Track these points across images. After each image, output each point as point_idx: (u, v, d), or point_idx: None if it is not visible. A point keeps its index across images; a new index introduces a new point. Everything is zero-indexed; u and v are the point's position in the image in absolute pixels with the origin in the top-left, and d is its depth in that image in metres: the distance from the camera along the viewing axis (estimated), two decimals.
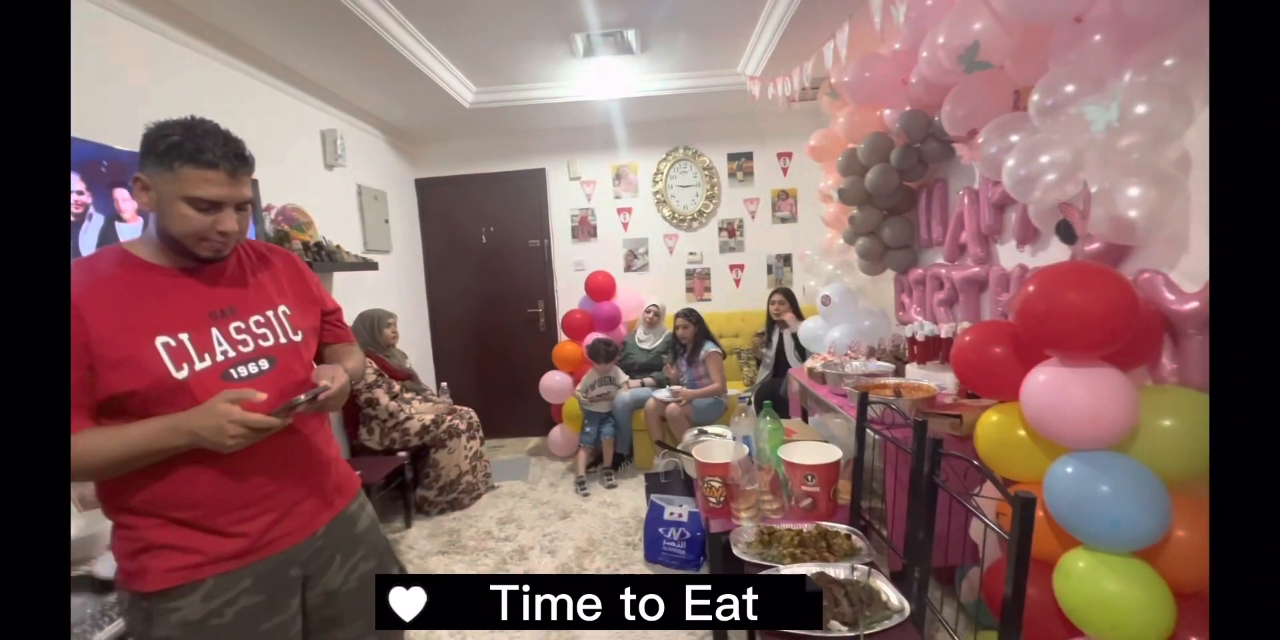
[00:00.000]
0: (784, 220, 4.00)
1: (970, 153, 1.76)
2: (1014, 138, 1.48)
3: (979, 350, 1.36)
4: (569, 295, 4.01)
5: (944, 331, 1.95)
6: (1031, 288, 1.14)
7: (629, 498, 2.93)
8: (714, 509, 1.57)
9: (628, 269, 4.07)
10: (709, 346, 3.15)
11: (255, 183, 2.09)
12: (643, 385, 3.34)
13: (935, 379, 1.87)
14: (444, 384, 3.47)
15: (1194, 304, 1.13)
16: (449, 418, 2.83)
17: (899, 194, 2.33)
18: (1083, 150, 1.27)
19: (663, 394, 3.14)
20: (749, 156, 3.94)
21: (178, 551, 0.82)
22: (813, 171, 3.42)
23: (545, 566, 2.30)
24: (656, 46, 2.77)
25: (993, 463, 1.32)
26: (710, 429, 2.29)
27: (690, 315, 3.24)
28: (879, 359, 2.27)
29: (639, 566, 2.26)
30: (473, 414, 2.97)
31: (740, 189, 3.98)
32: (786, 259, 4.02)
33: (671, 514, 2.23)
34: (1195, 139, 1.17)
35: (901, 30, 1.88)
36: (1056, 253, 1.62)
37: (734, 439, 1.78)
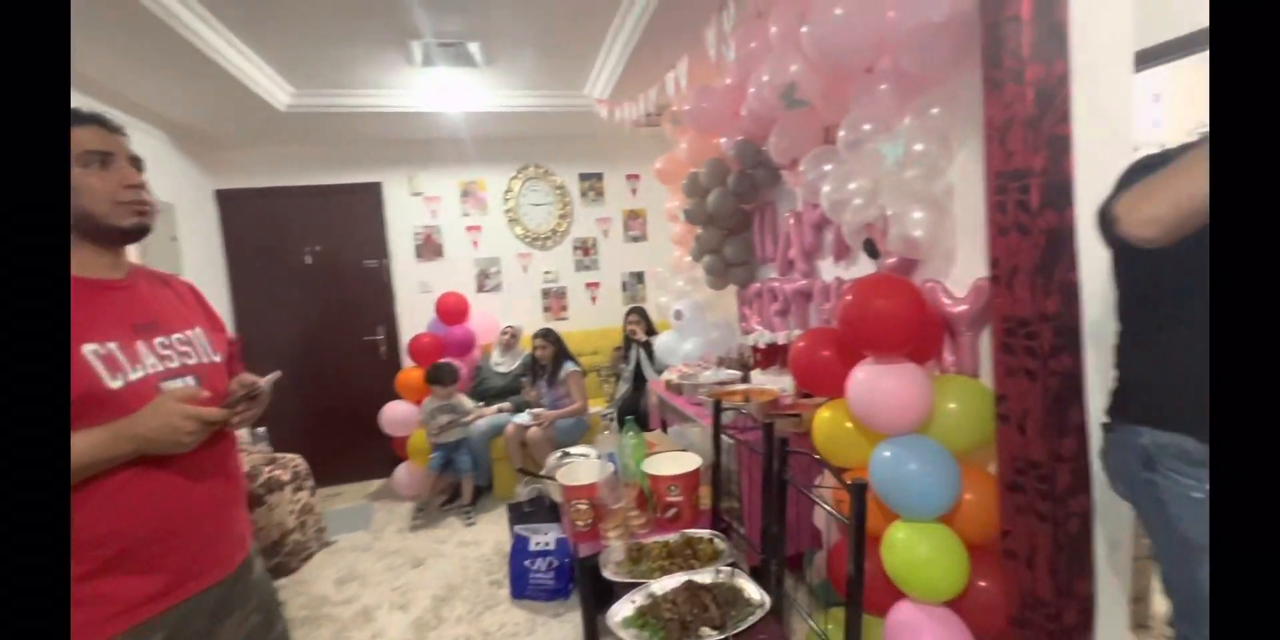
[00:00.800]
0: (635, 239, 4.16)
1: (794, 179, 2.00)
2: (827, 167, 1.71)
3: (810, 354, 1.52)
4: (415, 319, 3.72)
5: (781, 339, 2.16)
6: (848, 297, 1.32)
7: (490, 533, 2.76)
8: (582, 532, 1.54)
9: (480, 289, 3.90)
10: (569, 366, 3.13)
11: None
12: (500, 411, 3.20)
13: (777, 383, 2.06)
14: (260, 430, 2.96)
15: (963, 306, 1.39)
16: (267, 469, 2.43)
17: (737, 215, 2.56)
18: (879, 180, 1.51)
19: (522, 418, 3.04)
20: (599, 177, 4.05)
21: (84, 607, 0.72)
22: (660, 192, 3.62)
23: (396, 625, 2.05)
24: (502, 61, 2.74)
25: (828, 454, 1.48)
26: (574, 450, 2.25)
27: (548, 335, 3.19)
28: (728, 368, 2.44)
29: (505, 606, 2.12)
30: (299, 461, 2.59)
31: (593, 208, 4.07)
32: (639, 276, 4.17)
33: (538, 543, 2.14)
34: (956, 172, 1.45)
35: (732, 67, 2.09)
36: (864, 267, 1.90)
37: (599, 458, 1.77)
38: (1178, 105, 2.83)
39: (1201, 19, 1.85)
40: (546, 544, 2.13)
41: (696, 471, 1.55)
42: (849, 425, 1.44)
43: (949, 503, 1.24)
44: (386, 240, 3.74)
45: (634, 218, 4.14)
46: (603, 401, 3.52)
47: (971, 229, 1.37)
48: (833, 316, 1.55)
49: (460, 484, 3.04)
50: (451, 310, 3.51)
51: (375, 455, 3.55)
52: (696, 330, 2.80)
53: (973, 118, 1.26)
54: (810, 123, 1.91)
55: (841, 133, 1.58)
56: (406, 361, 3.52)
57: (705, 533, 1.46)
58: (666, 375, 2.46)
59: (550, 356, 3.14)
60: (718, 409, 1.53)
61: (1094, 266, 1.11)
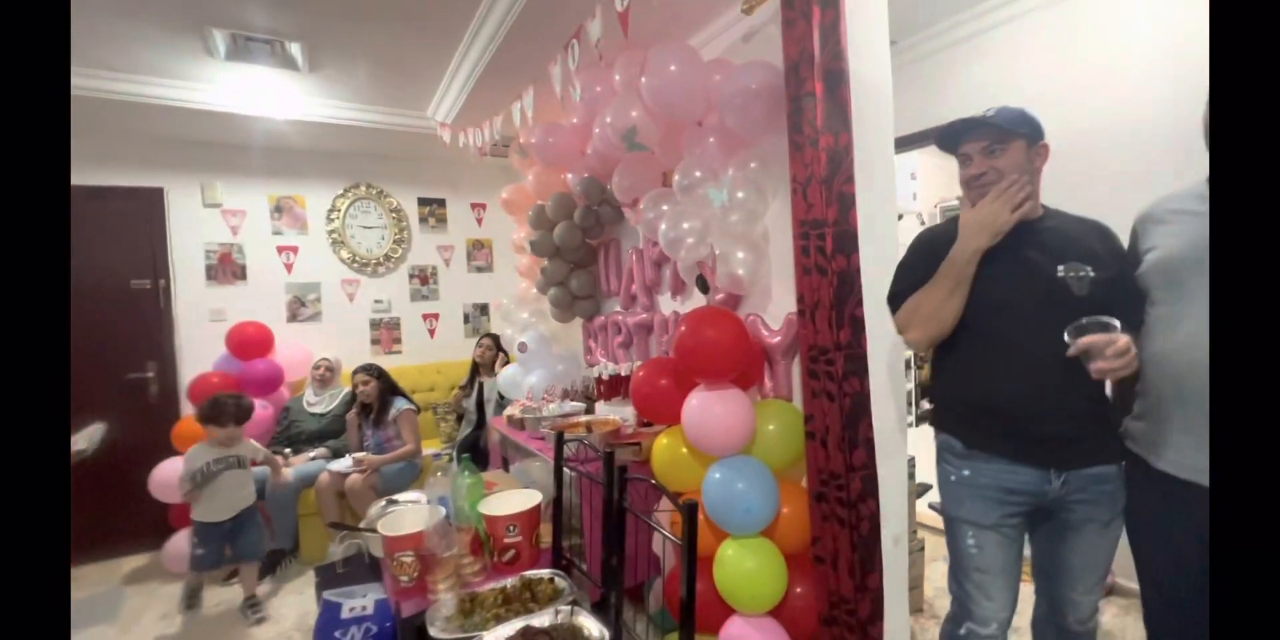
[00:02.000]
0: (480, 269, 4.04)
1: (635, 217, 2.13)
2: (665, 207, 1.86)
3: (649, 383, 1.60)
4: (200, 353, 3.11)
5: (624, 370, 2.23)
6: (682, 328, 1.42)
7: (293, 605, 2.35)
8: (405, 589, 1.39)
9: (293, 319, 3.44)
10: (400, 404, 2.87)
11: None
12: (313, 459, 2.80)
13: (619, 412, 2.11)
14: None
15: (778, 337, 1.58)
16: None
17: (583, 249, 2.64)
18: (709, 221, 1.68)
19: (341, 464, 2.69)
20: (442, 203, 3.90)
21: None
22: (507, 223, 3.59)
23: None
24: (331, 70, 2.55)
25: (666, 479, 1.54)
26: (402, 497, 2.05)
27: (371, 370, 2.90)
28: (572, 400, 2.44)
29: None
30: None
31: (433, 235, 3.88)
32: (484, 308, 4.04)
33: (351, 610, 1.86)
34: (771, 219, 1.67)
35: (579, 106, 2.20)
36: (698, 301, 2.06)
37: (429, 503, 1.63)
38: (928, 183, 3.63)
39: (945, 115, 2.46)
40: (363, 609, 1.86)
41: (537, 508, 1.50)
42: (684, 450, 1.52)
43: (770, 516, 1.36)
44: (168, 257, 3.15)
45: (479, 248, 4.03)
46: (438, 443, 3.27)
47: (784, 269, 1.57)
48: (670, 347, 1.65)
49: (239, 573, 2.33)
50: (248, 342, 3.02)
51: (139, 524, 2.84)
52: (542, 363, 2.77)
53: (782, 173, 1.48)
54: (650, 166, 2.07)
55: (676, 177, 1.74)
56: (186, 408, 2.93)
57: (545, 573, 1.41)
58: (509, 410, 2.38)
59: (375, 393, 2.85)
60: (559, 441, 1.51)
61: (875, 303, 1.35)
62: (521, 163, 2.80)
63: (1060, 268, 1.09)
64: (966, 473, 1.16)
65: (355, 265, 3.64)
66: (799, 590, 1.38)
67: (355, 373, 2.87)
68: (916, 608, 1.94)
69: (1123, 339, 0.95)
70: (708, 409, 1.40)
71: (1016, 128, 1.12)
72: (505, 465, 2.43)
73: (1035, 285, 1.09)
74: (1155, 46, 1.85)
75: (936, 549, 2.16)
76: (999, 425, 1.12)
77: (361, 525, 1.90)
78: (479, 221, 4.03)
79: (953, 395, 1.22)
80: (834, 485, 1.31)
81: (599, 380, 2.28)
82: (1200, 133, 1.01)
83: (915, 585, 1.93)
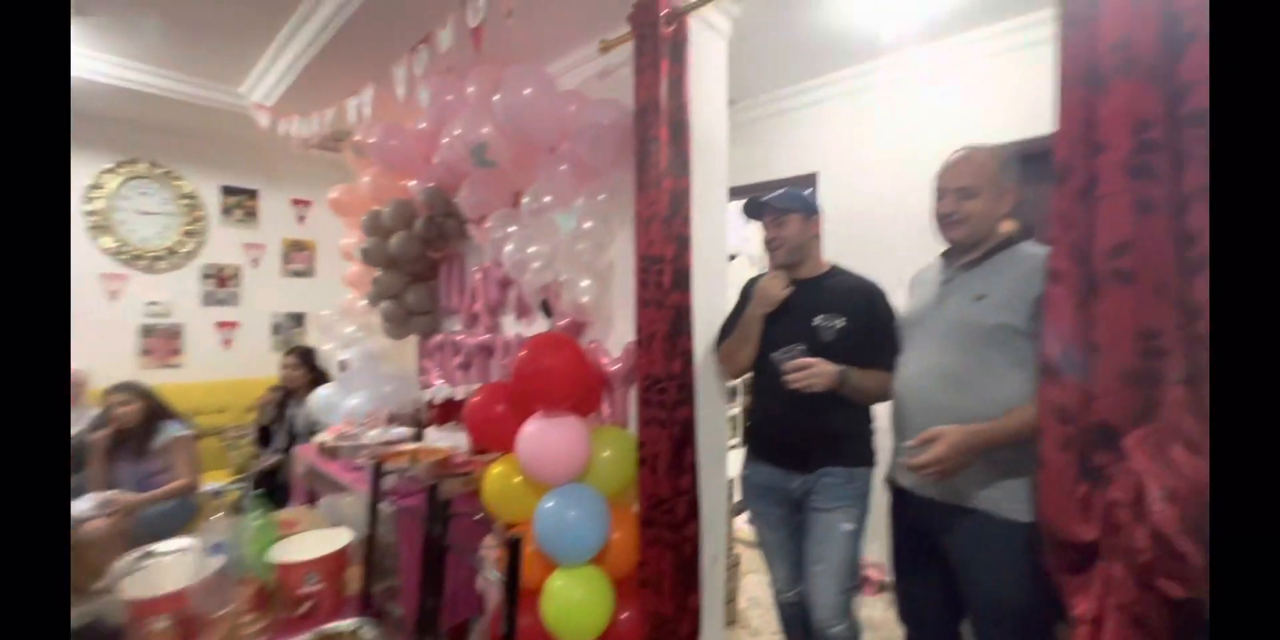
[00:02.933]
0: (299, 274, 3.58)
1: (481, 235, 2.07)
2: (512, 229, 1.83)
3: (484, 409, 1.54)
4: None
5: (460, 394, 2.13)
6: (522, 353, 1.40)
7: None
8: None
9: None
10: (172, 429, 2.38)
11: None
12: None
13: (452, 440, 2.00)
14: None
15: (618, 365, 1.64)
16: None
17: (422, 262, 2.48)
18: (557, 247, 1.69)
19: (81, 507, 2.14)
20: (252, 195, 3.40)
21: None
22: (335, 226, 3.24)
23: None
24: (108, 19, 2.11)
25: (498, 510, 1.49)
26: (163, 546, 1.68)
27: (131, 388, 2.37)
28: (401, 425, 2.26)
29: None
30: None
31: (239, 230, 3.36)
32: (299, 318, 3.57)
33: None
34: (617, 251, 1.73)
35: (428, 113, 2.09)
36: (543, 325, 2.06)
37: (200, 551, 1.37)
38: (759, 227, 4.08)
39: (770, 171, 2.82)
40: None
41: (344, 551, 1.34)
42: (518, 480, 1.49)
43: (599, 543, 1.38)
44: None
45: (298, 249, 3.58)
46: (224, 475, 2.77)
47: (626, 299, 1.64)
48: (508, 372, 1.61)
49: None
50: None
51: None
52: (366, 383, 2.52)
53: (628, 208, 1.55)
54: (501, 184, 2.03)
55: (526, 199, 1.73)
56: None
57: (349, 623, 1.25)
58: (320, 437, 2.12)
59: (138, 418, 2.34)
60: (377, 472, 1.38)
61: (704, 337, 1.47)
62: (357, 162, 2.57)
63: (817, 318, 1.36)
64: (748, 473, 1.51)
65: (123, 257, 2.99)
66: (625, 616, 1.41)
67: (109, 392, 2.32)
68: (731, 620, 2.09)
69: (805, 360, 1.27)
70: (544, 437, 1.39)
71: (792, 208, 1.43)
72: (311, 501, 2.14)
73: (796, 330, 1.37)
74: (932, 139, 2.31)
75: (752, 562, 2.37)
76: (764, 437, 1.48)
77: (99, 585, 1.53)
78: (300, 220, 3.59)
79: (750, 415, 1.56)
80: (662, 509, 1.38)
81: (431, 404, 2.14)
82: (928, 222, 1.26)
83: (730, 598, 2.08)
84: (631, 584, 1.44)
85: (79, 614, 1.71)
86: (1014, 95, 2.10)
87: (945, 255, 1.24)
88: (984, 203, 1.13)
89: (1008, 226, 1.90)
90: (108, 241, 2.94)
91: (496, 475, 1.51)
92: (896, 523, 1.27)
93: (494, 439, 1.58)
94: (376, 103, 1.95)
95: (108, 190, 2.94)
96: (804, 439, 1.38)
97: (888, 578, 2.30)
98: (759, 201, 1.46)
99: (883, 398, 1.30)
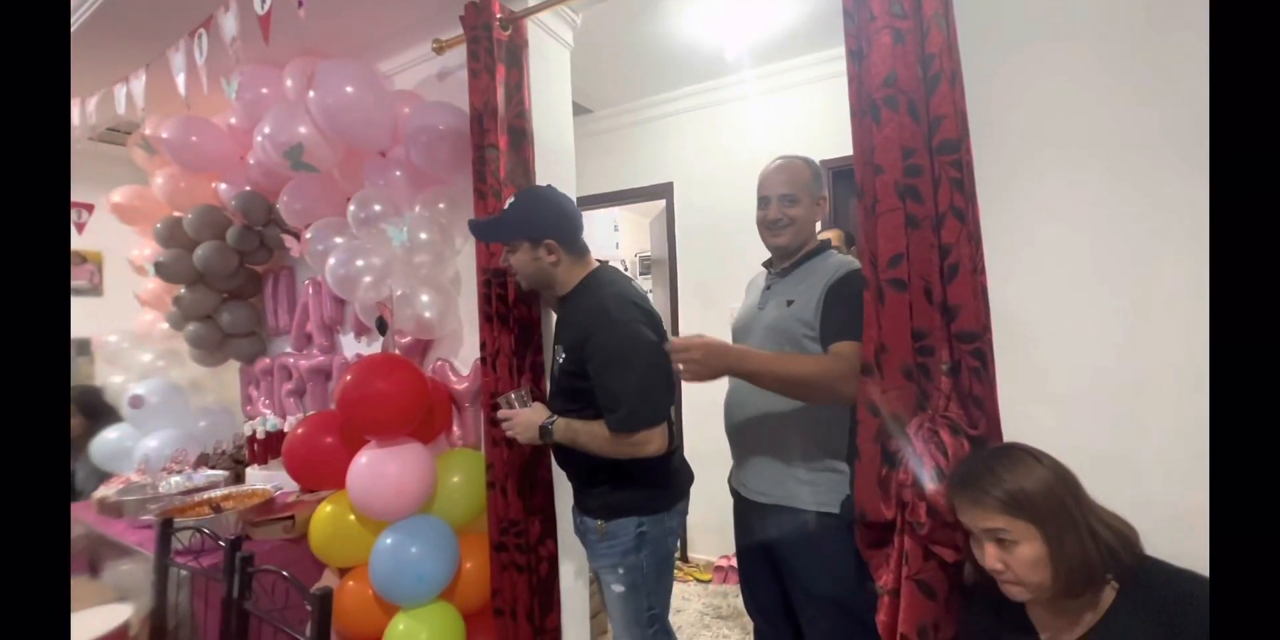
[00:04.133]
0: (79, 292, 2.99)
1: (298, 247, 1.86)
2: (338, 240, 1.67)
3: (307, 443, 1.38)
4: None
5: (288, 425, 1.90)
6: (348, 377, 1.28)
7: None
8: None
9: None
10: None
11: None
12: None
13: (276, 479, 1.77)
14: None
15: (466, 383, 1.56)
16: None
17: (240, 276, 2.18)
18: (390, 260, 1.57)
19: None
20: None
21: None
22: (125, 234, 2.75)
23: None
24: None
25: (328, 555, 1.34)
26: None
27: None
28: (214, 467, 1.96)
29: None
30: None
31: None
32: (83, 346, 2.98)
33: None
34: (463, 263, 1.65)
35: (236, 106, 1.85)
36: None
37: None
38: (628, 234, 4.18)
39: (632, 179, 2.88)
40: None
41: (122, 631, 1.12)
42: (352, 518, 1.35)
43: (446, 579, 1.29)
44: None
45: (77, 262, 2.99)
46: None
47: (474, 315, 1.56)
48: (333, 398, 1.46)
49: None
50: None
51: None
52: (169, 420, 2.16)
53: (470, 218, 1.49)
54: (329, 189, 1.85)
55: (352, 208, 1.59)
56: None
57: None
58: (100, 492, 1.77)
59: None
60: (165, 530, 1.17)
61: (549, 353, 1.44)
62: (146, 160, 2.21)
63: (555, 348, 1.24)
64: None
65: None
66: None
67: None
68: (604, 630, 2.08)
69: (505, 412, 1.19)
70: (379, 468, 1.27)
71: (517, 230, 1.22)
72: (93, 570, 1.77)
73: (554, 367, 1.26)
74: (768, 153, 2.50)
75: None
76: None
77: None
78: (79, 227, 2.99)
79: None
80: (513, 532, 1.33)
81: (252, 439, 1.88)
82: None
83: (598, 612, 2.07)
84: (486, 613, 1.37)
85: None
86: (836, 117, 2.35)
87: (769, 263, 1.29)
88: (804, 209, 1.18)
89: (828, 235, 2.10)
90: None
91: (326, 516, 1.36)
92: (736, 523, 1.33)
93: (318, 476, 1.42)
94: (151, 91, 1.67)
95: None
96: (570, 477, 1.27)
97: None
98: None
99: (627, 456, 1.10)
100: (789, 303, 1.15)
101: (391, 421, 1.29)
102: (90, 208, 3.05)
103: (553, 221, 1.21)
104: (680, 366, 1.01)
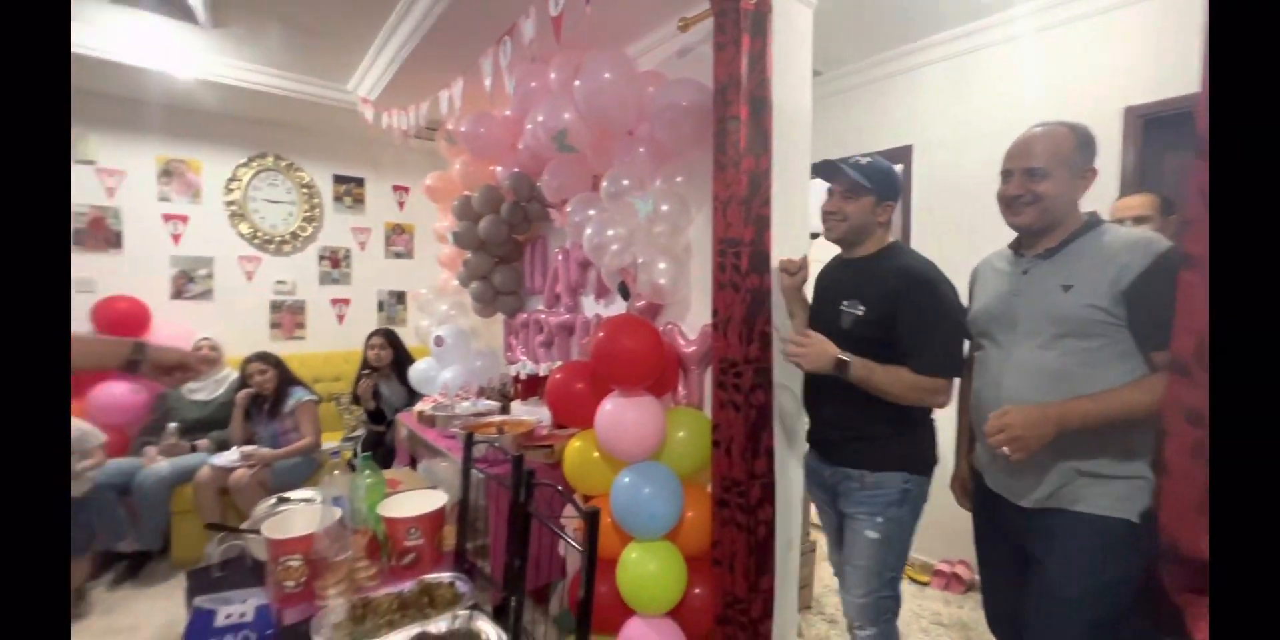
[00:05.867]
0: (399, 255, 3.85)
1: (561, 218, 2.12)
2: (591, 212, 1.86)
3: (564, 386, 1.60)
4: None
5: (543, 370, 2.22)
6: (600, 334, 1.43)
7: (161, 610, 2.14)
8: (290, 594, 1.31)
9: (178, 295, 3.12)
10: (299, 394, 2.68)
11: None
12: (193, 450, 2.56)
13: (536, 414, 2.09)
14: None
15: (693, 347, 1.64)
16: None
17: (509, 244, 2.58)
18: (634, 230, 1.70)
19: (226, 458, 2.47)
20: (360, 182, 3.67)
21: None
22: (430, 210, 3.44)
23: None
24: (236, 27, 2.33)
25: (577, 483, 1.56)
26: (294, 494, 1.91)
27: (268, 359, 2.68)
28: (489, 398, 2.40)
29: None
30: None
31: (348, 216, 3.65)
32: (400, 296, 3.85)
33: (227, 617, 1.72)
34: (694, 233, 1.71)
35: (512, 100, 2.15)
36: (621, 306, 2.08)
37: (324, 502, 1.54)
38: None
39: (861, 144, 2.64)
40: (242, 615, 1.72)
41: (441, 511, 1.46)
42: (596, 454, 1.54)
43: (674, 521, 1.40)
44: None
45: (399, 232, 3.83)
46: (340, 435, 3.08)
47: (703, 281, 1.62)
48: (586, 351, 1.66)
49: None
50: (118, 318, 2.71)
51: None
52: (458, 358, 2.69)
53: (707, 189, 1.52)
54: (581, 168, 2.05)
55: (605, 184, 1.74)
56: None
57: (446, 576, 1.37)
58: (420, 405, 2.29)
59: (273, 385, 2.65)
60: (469, 442, 1.48)
61: (783, 320, 1.42)
62: (449, 150, 2.70)
63: (844, 302, 1.30)
64: (806, 453, 1.51)
65: (257, 241, 3.35)
66: (697, 591, 1.44)
67: (249, 361, 2.64)
68: (805, 605, 2.08)
69: (800, 337, 1.25)
70: (620, 415, 1.42)
71: (867, 184, 1.29)
72: (413, 463, 2.34)
73: (825, 314, 1.34)
74: (1041, 105, 2.07)
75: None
76: (812, 423, 1.45)
77: (244, 526, 1.77)
78: (400, 205, 3.83)
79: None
80: (735, 492, 1.38)
81: (516, 379, 2.25)
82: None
83: (805, 584, 2.06)
84: (705, 561, 1.46)
85: (227, 548, 2.00)
86: (1153, 50, 1.83)
87: (1016, 244, 1.18)
88: (1057, 184, 1.05)
89: (1136, 201, 1.69)
90: (244, 227, 3.30)
91: (576, 449, 1.57)
92: (981, 524, 1.20)
93: (573, 415, 1.64)
94: (466, 94, 2.02)
95: (243, 181, 3.28)
96: (829, 427, 1.36)
97: (977, 576, 2.19)
98: (834, 168, 1.34)
99: (914, 401, 1.19)
100: (1066, 288, 1.00)
101: (633, 375, 1.42)
102: (407, 190, 3.87)
103: (897, 191, 1.35)
104: (1005, 449, 0.95)
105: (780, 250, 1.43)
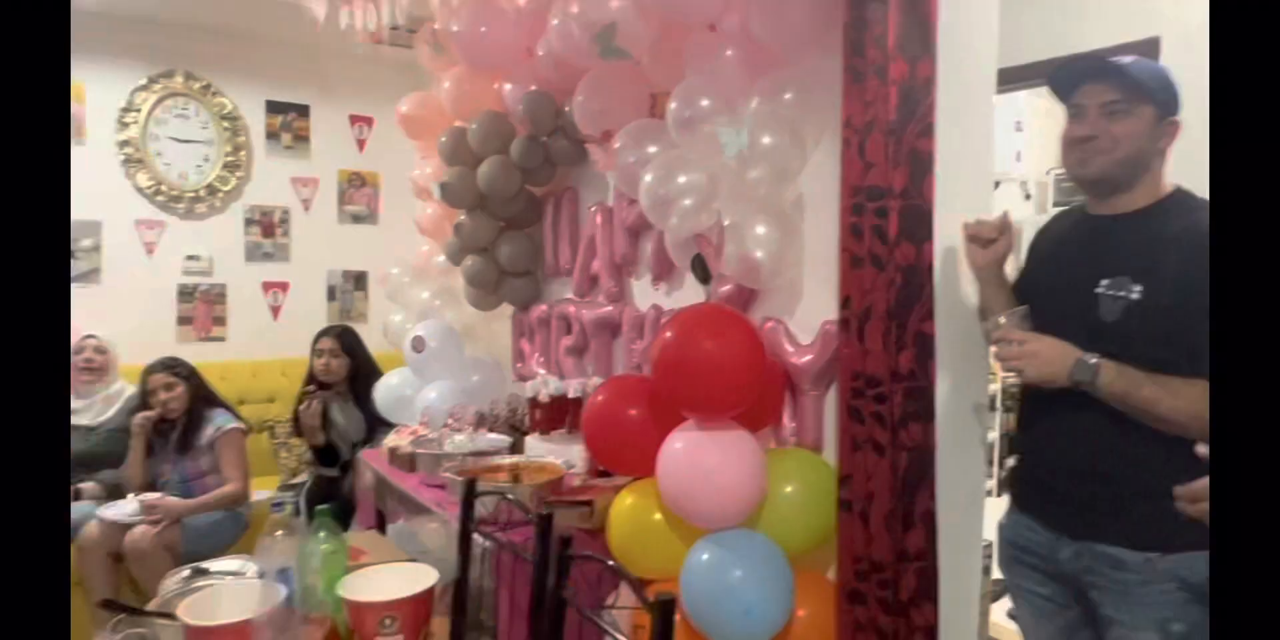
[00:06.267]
0: (358, 218, 3.98)
1: (606, 159, 2.13)
2: (652, 149, 1.86)
3: (610, 414, 1.62)
4: None
5: (573, 389, 2.24)
6: (667, 334, 1.44)
7: None
8: None
9: None
10: (220, 420, 2.80)
11: None
12: (76, 496, 2.72)
13: (564, 454, 2.12)
14: None
15: (809, 356, 1.62)
16: None
17: (521, 200, 2.62)
18: (718, 176, 1.69)
19: (120, 510, 2.62)
20: (304, 111, 3.82)
21: None
22: (405, 151, 3.52)
23: None
24: None
25: (627, 559, 1.57)
26: (217, 565, 2.01)
27: (176, 368, 2.81)
28: (492, 430, 2.44)
29: None
30: None
31: (287, 160, 3.80)
32: (360, 279, 3.98)
33: None
34: (808, 180, 1.70)
35: None
36: (693, 293, 2.08)
37: (261, 576, 1.62)
38: (1037, 138, 3.72)
39: (1076, 44, 2.53)
40: None
41: (429, 593, 1.50)
42: (658, 516, 1.55)
43: (780, 622, 1.40)
44: None
45: (358, 184, 3.97)
46: (274, 481, 3.22)
47: (823, 255, 1.60)
48: (646, 360, 1.66)
49: None
50: None
51: None
52: (447, 370, 2.76)
53: (831, 112, 1.50)
54: (634, 83, 2.07)
55: (673, 105, 1.74)
56: None
57: None
58: (392, 440, 2.36)
59: (183, 404, 2.78)
60: (469, 494, 1.52)
61: (950, 314, 1.39)
62: (435, 61, 2.76)
63: (1103, 283, 1.27)
64: (1004, 525, 1.49)
65: (160, 199, 3.54)
66: None
67: (150, 371, 2.78)
68: None
69: (1015, 333, 1.25)
70: (698, 458, 1.42)
71: (1152, 89, 1.25)
72: (380, 523, 2.42)
73: (1059, 302, 1.32)
74: None
75: None
76: (1027, 475, 1.46)
77: (150, 607, 1.87)
78: (361, 145, 3.97)
79: (1014, 441, 1.56)
80: (876, 581, 1.36)
81: (534, 402, 2.28)
82: None
83: None
84: None
85: (126, 637, 2.13)
86: None
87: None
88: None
89: None
90: (143, 179, 3.49)
91: (627, 508, 1.58)
92: None
93: (622, 457, 1.65)
94: None
95: (143, 112, 3.47)
96: (1076, 482, 1.32)
97: None
98: (1102, 63, 1.30)
99: (1189, 425, 1.15)
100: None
101: (717, 397, 1.42)
102: (371, 121, 4.00)
103: (1178, 101, 1.29)
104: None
105: (947, 207, 1.39)
